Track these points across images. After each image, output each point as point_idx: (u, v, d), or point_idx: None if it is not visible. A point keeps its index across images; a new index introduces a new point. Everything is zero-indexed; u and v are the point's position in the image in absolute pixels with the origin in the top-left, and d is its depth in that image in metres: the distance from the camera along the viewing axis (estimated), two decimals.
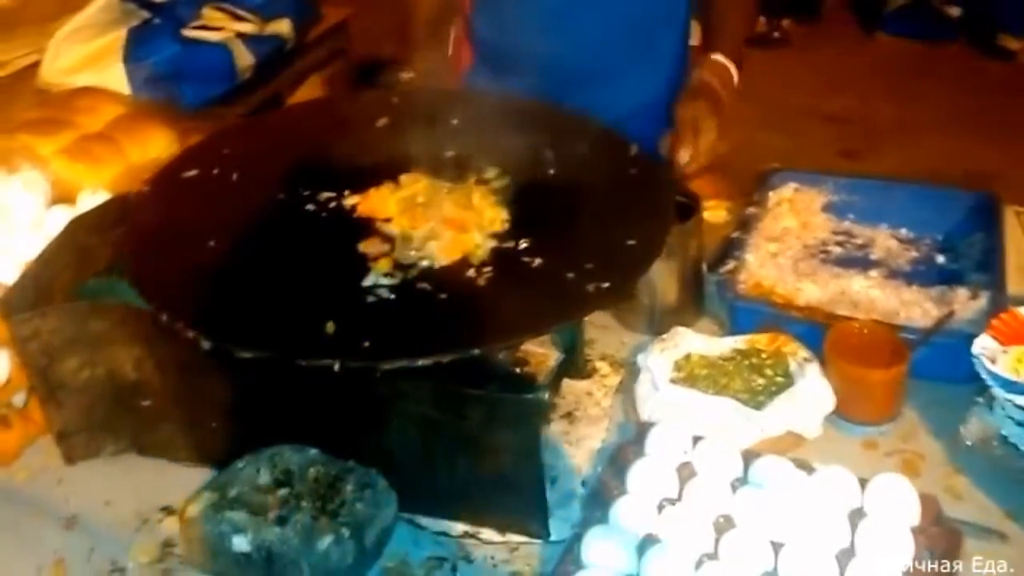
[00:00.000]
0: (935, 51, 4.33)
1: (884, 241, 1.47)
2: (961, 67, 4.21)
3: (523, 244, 1.14)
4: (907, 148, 3.52)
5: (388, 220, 1.19)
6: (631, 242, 1.11)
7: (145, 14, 2.15)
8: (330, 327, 1.00)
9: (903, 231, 1.48)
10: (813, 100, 3.93)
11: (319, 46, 2.51)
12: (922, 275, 1.38)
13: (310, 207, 1.23)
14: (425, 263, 1.12)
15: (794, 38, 4.52)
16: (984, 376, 1.09)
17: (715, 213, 1.50)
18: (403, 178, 1.25)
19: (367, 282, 1.09)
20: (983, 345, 1.11)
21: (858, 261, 1.42)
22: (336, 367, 0.94)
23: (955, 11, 4.35)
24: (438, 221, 1.17)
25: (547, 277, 1.09)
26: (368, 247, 1.15)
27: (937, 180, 1.57)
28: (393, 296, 1.08)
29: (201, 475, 1.11)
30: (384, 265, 1.11)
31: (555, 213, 1.19)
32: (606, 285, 1.05)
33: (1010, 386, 1.07)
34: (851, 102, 3.95)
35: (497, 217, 1.19)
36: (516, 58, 1.64)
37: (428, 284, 1.09)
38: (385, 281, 1.09)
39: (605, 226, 1.15)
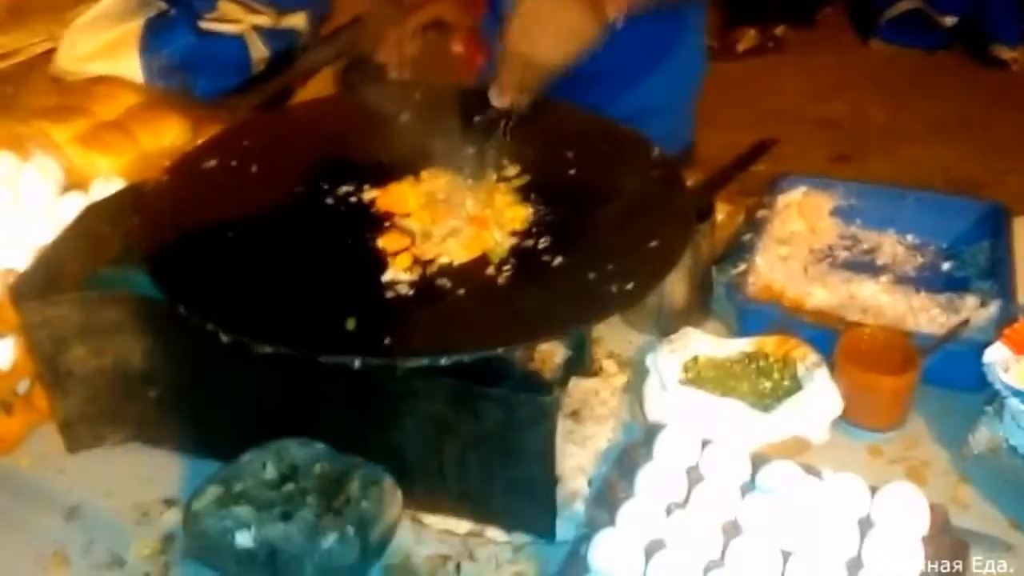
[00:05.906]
0: (929, 59, 4.35)
1: (890, 247, 1.46)
2: (954, 76, 4.23)
3: (543, 243, 1.14)
4: (897, 154, 3.52)
5: (407, 215, 1.19)
6: (653, 244, 1.10)
7: (162, 5, 2.13)
8: (351, 324, 1.00)
9: (909, 237, 1.48)
10: (806, 105, 3.93)
11: (333, 40, 2.50)
12: (928, 281, 1.38)
13: (329, 200, 1.23)
14: (444, 259, 1.12)
15: (789, 44, 4.52)
16: (997, 386, 1.08)
17: None
18: (424, 173, 1.25)
19: (386, 277, 1.09)
20: (996, 354, 1.10)
21: (864, 266, 1.42)
22: (356, 364, 0.94)
23: (950, 21, 4.39)
24: (459, 218, 1.17)
25: (568, 277, 1.08)
26: (387, 242, 1.14)
27: (923, 186, 1.57)
28: (412, 292, 1.07)
29: (203, 467, 1.09)
30: (404, 261, 1.11)
31: (576, 213, 1.19)
32: (630, 286, 1.04)
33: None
34: (844, 107, 3.95)
35: (519, 215, 1.18)
36: None
37: (448, 280, 1.09)
38: (404, 277, 1.09)
39: (626, 227, 1.14)
